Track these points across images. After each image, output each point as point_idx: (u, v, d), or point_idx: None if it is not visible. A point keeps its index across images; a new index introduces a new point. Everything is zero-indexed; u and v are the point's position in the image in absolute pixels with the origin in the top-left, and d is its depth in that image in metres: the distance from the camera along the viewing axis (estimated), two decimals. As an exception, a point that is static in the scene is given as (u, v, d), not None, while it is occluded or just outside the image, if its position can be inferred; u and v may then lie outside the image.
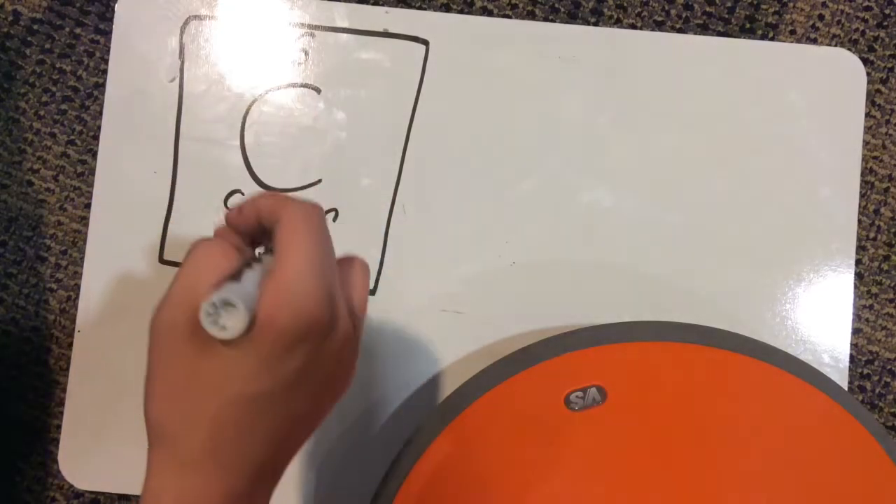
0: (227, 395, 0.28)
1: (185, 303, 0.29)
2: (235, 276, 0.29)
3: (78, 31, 0.50)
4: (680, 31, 0.50)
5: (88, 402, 0.47)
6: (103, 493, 0.48)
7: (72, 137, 0.49)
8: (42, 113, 0.49)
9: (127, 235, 0.48)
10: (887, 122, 0.49)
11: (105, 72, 0.49)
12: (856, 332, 0.48)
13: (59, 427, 0.47)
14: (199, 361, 0.28)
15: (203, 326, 0.27)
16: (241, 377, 0.28)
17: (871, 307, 0.49)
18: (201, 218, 0.48)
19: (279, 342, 0.28)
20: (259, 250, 0.34)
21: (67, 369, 0.48)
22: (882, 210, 0.49)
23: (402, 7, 0.50)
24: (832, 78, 0.49)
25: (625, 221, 0.48)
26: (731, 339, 0.43)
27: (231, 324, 0.27)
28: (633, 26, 0.50)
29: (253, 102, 0.49)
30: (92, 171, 0.49)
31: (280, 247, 0.29)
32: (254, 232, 0.33)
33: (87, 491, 0.48)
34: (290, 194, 0.36)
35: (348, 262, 0.34)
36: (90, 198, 0.48)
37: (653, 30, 0.50)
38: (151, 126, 0.49)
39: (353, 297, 0.33)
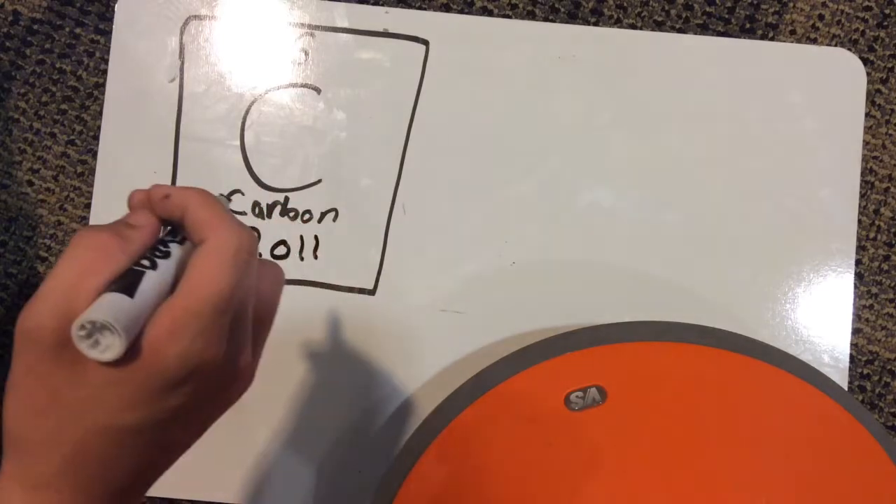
0: (93, 422, 0.25)
1: (57, 308, 0.24)
2: (127, 276, 0.25)
3: (78, 31, 0.50)
4: (680, 31, 0.50)
5: (88, 402, 0.47)
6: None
7: (72, 137, 0.49)
8: (42, 113, 0.49)
9: (127, 235, 0.48)
10: (887, 122, 0.49)
11: (105, 72, 0.49)
12: (856, 332, 0.48)
13: (59, 427, 0.47)
14: (66, 379, 0.25)
15: (75, 344, 0.23)
16: (112, 406, 0.25)
17: (871, 307, 0.49)
18: (201, 218, 0.48)
19: (160, 378, 0.25)
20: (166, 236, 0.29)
21: (67, 369, 0.47)
22: (882, 210, 0.49)
23: (402, 7, 0.50)
24: (832, 78, 0.49)
25: (625, 221, 0.48)
26: (731, 339, 0.43)
27: (108, 345, 0.24)
28: (633, 26, 0.50)
29: (253, 102, 0.49)
30: (92, 171, 0.49)
31: (192, 270, 0.25)
32: (169, 221, 0.28)
33: (87, 491, 0.48)
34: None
35: (261, 265, 0.30)
36: (90, 198, 0.48)
37: (653, 30, 0.50)
38: (151, 126, 0.49)
39: (260, 310, 0.29)
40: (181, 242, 0.28)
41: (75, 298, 0.24)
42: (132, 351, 0.24)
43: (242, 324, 0.27)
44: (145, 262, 0.26)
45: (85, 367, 0.24)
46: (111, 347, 0.24)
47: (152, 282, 0.25)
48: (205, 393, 0.27)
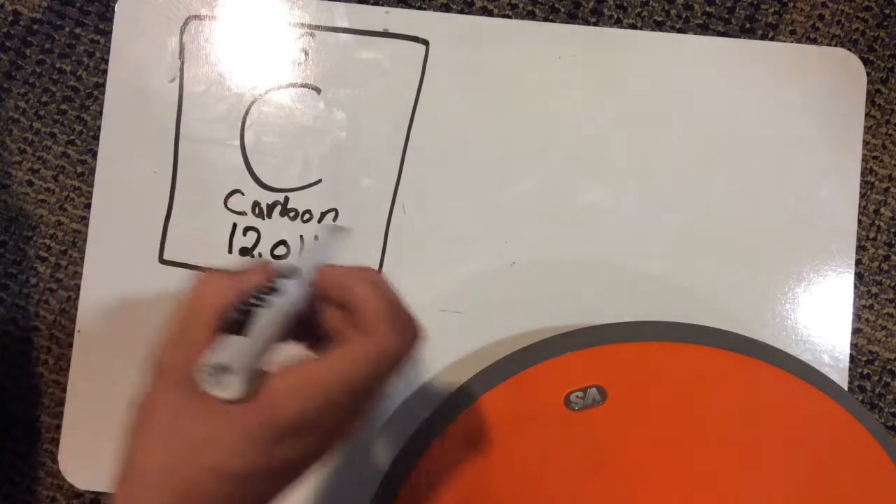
0: (207, 461, 0.27)
1: (184, 347, 0.27)
2: (241, 313, 0.27)
3: (78, 31, 0.50)
4: (680, 31, 0.50)
5: (88, 402, 0.47)
6: (103, 493, 0.48)
7: (72, 137, 0.49)
8: (42, 113, 0.49)
9: (127, 235, 0.48)
10: (887, 122, 0.49)
11: (105, 72, 0.49)
12: (856, 332, 0.48)
13: (59, 427, 0.47)
14: (190, 414, 0.27)
15: (199, 384, 0.26)
16: (226, 447, 0.27)
17: (871, 307, 0.49)
18: (201, 218, 0.48)
19: (273, 428, 0.27)
20: (277, 281, 0.30)
21: (67, 369, 0.48)
22: (882, 210, 0.49)
23: (402, 7, 0.50)
24: (832, 78, 0.49)
25: (625, 221, 0.48)
26: (731, 339, 0.43)
27: (228, 384, 0.26)
28: (633, 26, 0.50)
29: (253, 102, 0.49)
30: (92, 171, 0.49)
31: (343, 349, 0.28)
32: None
33: (87, 491, 0.48)
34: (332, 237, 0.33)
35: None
36: (90, 198, 0.48)
37: (653, 30, 0.50)
38: (151, 126, 0.49)
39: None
40: (291, 277, 0.29)
41: (194, 332, 0.27)
42: (253, 396, 0.26)
43: (368, 399, 0.29)
44: (256, 301, 0.28)
45: (207, 404, 0.27)
46: (231, 386, 0.26)
47: (265, 320, 0.27)
48: (311, 451, 0.28)
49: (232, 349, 0.26)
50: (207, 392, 0.26)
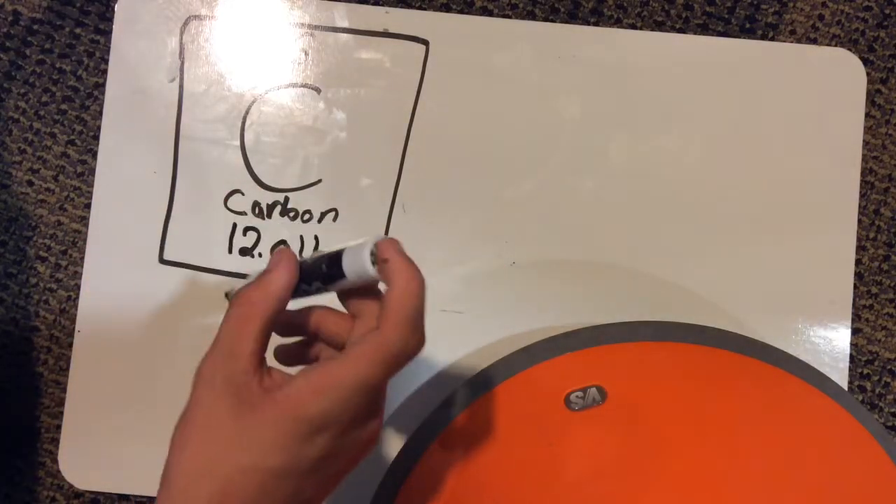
0: (243, 460, 0.28)
1: (227, 357, 0.30)
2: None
3: (78, 31, 0.50)
4: (680, 31, 0.50)
5: (88, 401, 0.47)
6: (103, 493, 0.48)
7: (72, 137, 0.49)
8: (42, 113, 0.49)
9: (127, 235, 0.48)
10: (887, 122, 0.49)
11: (105, 72, 0.49)
12: (856, 332, 0.48)
13: (59, 427, 0.47)
14: (227, 419, 0.29)
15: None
16: (258, 447, 0.28)
17: (871, 307, 0.49)
18: (201, 218, 0.48)
19: (298, 427, 0.29)
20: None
21: (67, 369, 0.47)
22: (882, 210, 0.49)
23: (402, 7, 0.50)
24: (832, 78, 0.49)
25: (625, 221, 0.48)
26: (731, 339, 0.43)
27: None
28: (633, 26, 0.50)
29: (253, 102, 0.49)
30: (92, 171, 0.49)
31: (357, 351, 0.29)
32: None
33: (87, 491, 0.48)
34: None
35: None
36: (90, 198, 0.48)
37: (653, 30, 0.50)
38: (151, 126, 0.49)
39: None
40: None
41: (238, 345, 0.30)
42: (288, 387, 0.29)
43: (380, 398, 0.31)
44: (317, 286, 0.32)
45: (244, 409, 0.29)
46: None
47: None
48: (338, 450, 0.30)
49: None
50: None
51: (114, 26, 0.49)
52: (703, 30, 0.50)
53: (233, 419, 0.29)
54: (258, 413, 0.29)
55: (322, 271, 0.32)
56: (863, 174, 0.49)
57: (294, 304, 0.33)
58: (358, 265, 0.31)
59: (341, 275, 0.31)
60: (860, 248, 0.49)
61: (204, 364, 0.30)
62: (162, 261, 0.48)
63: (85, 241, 0.48)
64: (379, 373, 0.29)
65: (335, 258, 0.31)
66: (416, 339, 0.30)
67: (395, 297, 0.30)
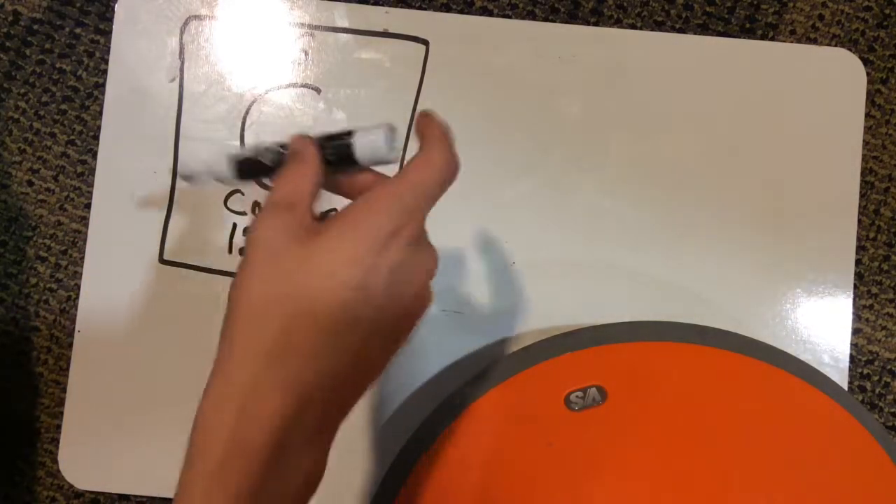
0: (315, 280, 0.27)
1: (286, 210, 0.29)
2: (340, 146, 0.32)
3: (78, 31, 0.50)
4: (680, 31, 0.50)
5: (88, 402, 0.47)
6: (103, 493, 0.48)
7: (72, 137, 0.49)
8: (42, 113, 0.49)
9: (127, 235, 0.48)
10: (887, 122, 0.49)
11: (105, 72, 0.49)
12: (856, 332, 0.48)
13: (59, 427, 0.47)
14: (295, 247, 0.28)
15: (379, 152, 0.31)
16: (330, 264, 0.28)
17: (871, 307, 0.49)
18: (201, 218, 0.48)
19: (371, 233, 0.28)
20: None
21: (67, 369, 0.48)
22: (882, 210, 0.49)
23: (402, 7, 0.50)
24: (832, 78, 0.49)
25: (625, 221, 0.48)
26: (731, 339, 0.43)
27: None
28: (633, 26, 0.50)
29: (253, 102, 0.49)
30: (92, 171, 0.49)
31: (413, 166, 0.30)
32: None
33: (87, 491, 0.48)
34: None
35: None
36: (90, 198, 0.48)
37: (653, 30, 0.50)
38: (151, 126, 0.49)
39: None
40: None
41: (297, 195, 0.30)
42: (349, 215, 0.29)
43: (424, 241, 0.32)
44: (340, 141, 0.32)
45: (310, 235, 0.28)
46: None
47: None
48: (410, 267, 0.30)
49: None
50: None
51: (114, 26, 0.49)
52: (703, 30, 0.50)
53: (300, 245, 0.28)
54: (325, 234, 0.28)
55: (330, 159, 0.32)
56: (863, 174, 0.49)
57: None
58: (374, 148, 0.32)
59: (352, 162, 0.32)
60: (860, 248, 0.49)
61: (259, 224, 0.29)
62: (162, 261, 0.48)
63: (85, 241, 0.48)
64: (438, 178, 0.30)
65: (344, 146, 0.32)
66: (455, 157, 0.31)
67: (435, 127, 0.32)
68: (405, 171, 0.30)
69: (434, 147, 0.31)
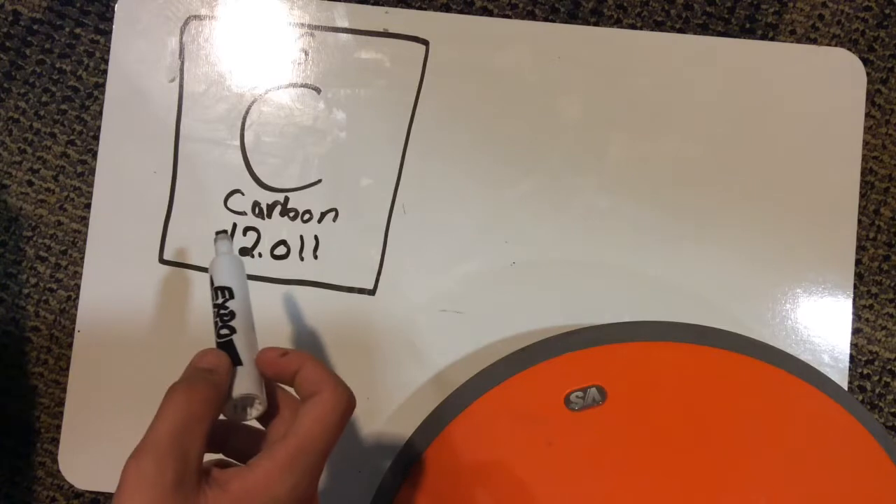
0: None
1: (174, 454, 0.28)
2: (225, 348, 0.33)
3: (78, 31, 0.50)
4: (680, 31, 0.50)
5: (88, 401, 0.47)
6: (103, 493, 0.48)
7: (72, 137, 0.49)
8: (42, 113, 0.49)
9: (127, 235, 0.48)
10: (887, 122, 0.49)
11: (105, 72, 0.49)
12: (856, 332, 0.48)
13: (59, 427, 0.47)
14: None
15: (231, 417, 0.32)
16: None
17: (871, 307, 0.49)
18: (201, 218, 0.48)
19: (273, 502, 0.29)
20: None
21: (67, 369, 0.48)
22: (882, 210, 0.49)
23: (402, 7, 0.50)
24: (832, 78, 0.49)
25: (625, 221, 0.48)
26: (731, 339, 0.43)
27: (256, 408, 0.32)
28: (633, 26, 0.50)
29: (253, 102, 0.49)
30: (92, 171, 0.49)
31: (306, 417, 0.30)
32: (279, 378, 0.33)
33: (87, 491, 0.48)
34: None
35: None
36: (90, 198, 0.48)
37: (653, 30, 0.50)
38: (151, 126, 0.49)
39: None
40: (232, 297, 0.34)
41: (190, 442, 0.28)
42: (250, 474, 0.29)
43: (322, 465, 0.32)
44: (224, 332, 0.33)
45: (200, 498, 0.28)
46: (258, 407, 0.32)
47: (241, 342, 0.33)
48: None
49: (246, 379, 0.32)
50: (244, 421, 0.32)
51: (114, 26, 0.49)
52: (703, 30, 0.50)
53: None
54: (227, 497, 0.28)
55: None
56: (863, 174, 0.49)
57: None
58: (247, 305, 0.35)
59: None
60: (860, 248, 0.49)
61: (145, 461, 0.28)
62: (162, 261, 0.48)
63: (85, 241, 0.48)
64: (333, 433, 0.30)
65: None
66: (348, 392, 0.31)
67: (310, 369, 0.32)
68: (308, 420, 0.30)
69: (334, 389, 0.31)
